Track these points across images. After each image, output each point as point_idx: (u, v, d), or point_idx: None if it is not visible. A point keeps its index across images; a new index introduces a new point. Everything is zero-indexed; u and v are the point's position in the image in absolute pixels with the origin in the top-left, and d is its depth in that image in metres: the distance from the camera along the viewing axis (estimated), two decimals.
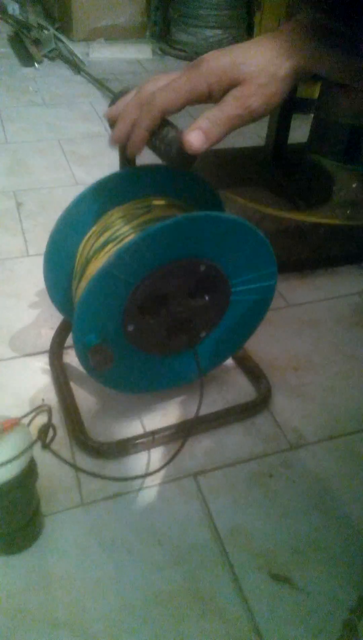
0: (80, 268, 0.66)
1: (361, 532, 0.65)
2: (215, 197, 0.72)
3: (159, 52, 2.29)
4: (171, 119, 0.59)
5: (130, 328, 0.64)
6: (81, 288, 0.65)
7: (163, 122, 0.58)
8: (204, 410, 0.76)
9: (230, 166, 1.39)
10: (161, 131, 0.58)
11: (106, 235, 0.63)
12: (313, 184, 1.24)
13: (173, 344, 0.69)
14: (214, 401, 0.79)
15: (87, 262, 0.64)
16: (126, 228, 0.63)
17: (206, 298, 0.67)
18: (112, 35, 2.38)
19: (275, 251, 0.68)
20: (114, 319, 0.62)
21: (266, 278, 0.70)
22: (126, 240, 0.62)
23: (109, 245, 0.62)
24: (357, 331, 0.94)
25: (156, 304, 0.64)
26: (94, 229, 0.66)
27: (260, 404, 0.78)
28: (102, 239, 0.63)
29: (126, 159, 0.65)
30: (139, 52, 2.27)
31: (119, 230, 0.63)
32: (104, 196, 0.66)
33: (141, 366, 0.70)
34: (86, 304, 0.57)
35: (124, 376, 0.70)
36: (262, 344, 0.88)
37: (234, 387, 0.82)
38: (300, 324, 0.95)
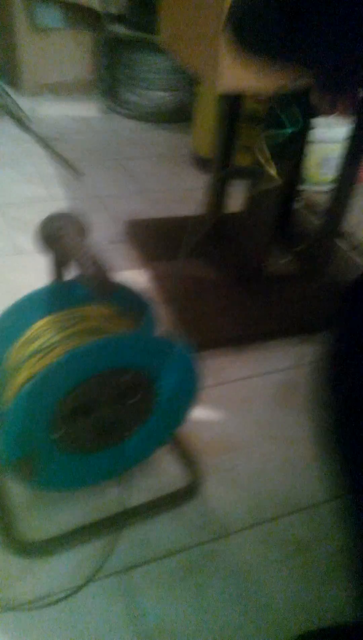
0: (7, 377, 0.67)
1: (280, 621, 0.68)
2: (142, 300, 0.76)
3: (107, 110, 2.36)
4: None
5: (57, 435, 0.66)
6: (7, 399, 0.66)
7: (90, 252, 0.62)
8: (137, 497, 0.79)
9: (167, 237, 1.44)
10: (86, 260, 0.62)
11: (35, 345, 0.66)
12: (246, 259, 1.30)
13: (101, 443, 0.72)
14: (147, 487, 0.82)
15: (16, 371, 0.66)
16: (54, 339, 0.66)
17: (132, 400, 0.70)
18: (61, 90, 2.44)
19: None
20: (41, 428, 0.64)
21: (189, 379, 0.74)
22: (54, 352, 0.64)
23: (37, 356, 0.65)
24: (284, 409, 0.99)
25: (83, 410, 0.67)
26: (23, 337, 0.68)
27: (190, 493, 0.81)
28: (30, 349, 0.66)
29: (58, 274, 0.69)
30: (87, 109, 2.33)
31: (47, 342, 0.66)
32: (36, 305, 0.69)
33: (70, 466, 0.72)
34: (11, 421, 0.59)
35: (53, 477, 0.71)
36: (196, 425, 0.91)
37: (167, 473, 0.84)
38: (232, 403, 0.99)
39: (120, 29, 2.28)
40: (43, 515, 0.76)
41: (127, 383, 0.67)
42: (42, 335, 0.66)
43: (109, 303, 0.73)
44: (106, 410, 0.68)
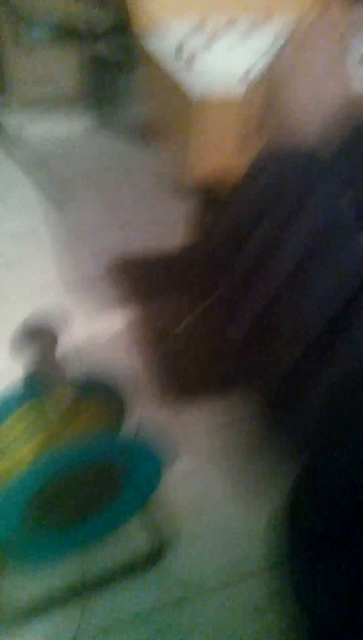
0: None
1: None
2: (117, 391, 0.83)
3: (93, 127, 2.38)
4: None
5: (30, 521, 0.73)
6: None
7: (59, 361, 0.68)
8: (107, 563, 0.86)
9: (148, 274, 1.48)
10: (53, 370, 0.68)
11: (7, 440, 0.73)
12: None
13: (71, 522, 0.79)
14: (117, 552, 0.88)
15: None
16: (27, 434, 0.73)
17: (101, 486, 0.78)
18: (48, 105, 2.46)
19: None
20: (15, 518, 0.71)
21: (157, 464, 0.81)
22: (26, 449, 0.71)
23: (9, 452, 0.72)
24: (252, 462, 1.06)
25: (55, 498, 0.74)
26: None
27: (157, 556, 0.89)
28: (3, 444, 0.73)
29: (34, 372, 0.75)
30: (73, 126, 2.36)
31: (19, 437, 0.72)
32: (10, 401, 0.76)
33: (42, 542, 0.79)
34: None
35: (26, 553, 0.79)
36: (171, 483, 0.97)
37: (136, 536, 0.91)
38: (202, 457, 1.06)
39: (104, 49, 2.29)
40: (16, 584, 0.83)
41: (97, 474, 0.75)
42: (15, 429, 0.73)
43: (81, 393, 0.79)
44: (76, 496, 0.75)
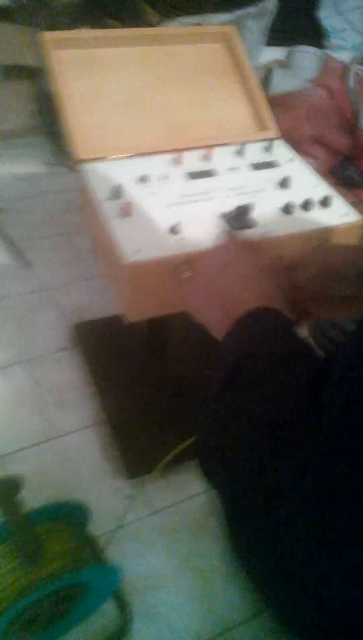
0: None
1: None
2: (82, 510, 0.96)
3: (51, 162, 2.42)
4: None
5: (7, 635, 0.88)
6: None
7: (21, 519, 0.81)
8: None
9: (113, 340, 1.55)
10: (16, 528, 0.80)
11: None
12: (177, 373, 1.46)
13: (41, 628, 0.94)
14: (79, 635, 1.03)
15: None
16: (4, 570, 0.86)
17: (66, 598, 0.92)
18: (5, 140, 2.48)
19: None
20: None
21: (112, 582, 0.95)
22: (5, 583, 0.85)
23: None
24: (203, 538, 1.20)
25: (28, 615, 0.88)
26: None
27: (120, 635, 1.04)
28: None
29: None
30: (32, 164, 2.40)
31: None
32: None
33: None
34: None
35: None
36: (129, 562, 1.12)
37: (101, 616, 1.06)
38: (159, 534, 1.20)
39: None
40: None
41: (65, 593, 0.89)
42: None
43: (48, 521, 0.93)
44: (45, 610, 0.90)
